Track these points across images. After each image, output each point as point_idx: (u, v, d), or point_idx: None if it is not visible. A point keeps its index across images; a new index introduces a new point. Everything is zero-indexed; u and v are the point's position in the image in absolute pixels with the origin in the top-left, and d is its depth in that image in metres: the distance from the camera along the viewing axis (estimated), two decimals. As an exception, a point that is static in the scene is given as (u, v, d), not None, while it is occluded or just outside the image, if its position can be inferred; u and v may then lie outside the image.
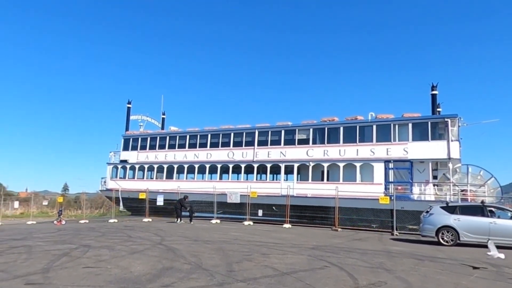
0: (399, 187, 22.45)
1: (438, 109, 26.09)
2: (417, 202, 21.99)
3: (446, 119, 22.84)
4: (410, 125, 23.76)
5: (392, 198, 19.65)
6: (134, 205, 30.45)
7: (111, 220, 24.11)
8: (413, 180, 23.29)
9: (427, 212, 14.43)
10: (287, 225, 20.96)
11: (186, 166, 30.95)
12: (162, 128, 38.62)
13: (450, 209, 13.96)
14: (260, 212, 23.99)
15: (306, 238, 15.28)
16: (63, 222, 22.34)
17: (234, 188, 25.04)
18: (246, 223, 22.24)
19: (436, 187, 23.45)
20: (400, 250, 11.81)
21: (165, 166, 32.00)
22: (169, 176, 32.23)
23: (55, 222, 22.66)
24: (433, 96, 25.53)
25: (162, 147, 32.69)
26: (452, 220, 13.55)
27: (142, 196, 26.07)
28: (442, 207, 14.17)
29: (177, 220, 22.89)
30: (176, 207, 23.32)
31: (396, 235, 18.13)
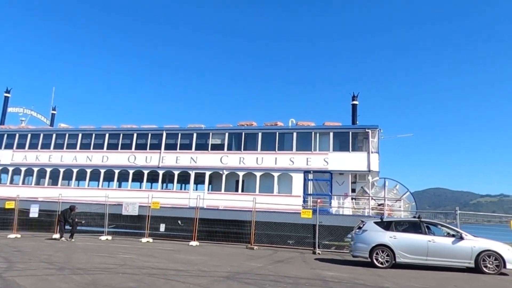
0: (318, 200, 20.68)
1: (356, 122, 25.39)
2: (335, 217, 20.38)
3: (367, 130, 21.91)
4: (331, 134, 22.38)
5: (315, 212, 17.63)
6: (3, 217, 24.17)
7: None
8: (332, 192, 21.82)
9: (360, 228, 12.46)
10: (194, 243, 17.61)
11: (75, 170, 25.70)
12: (52, 125, 32.47)
13: (385, 225, 12.17)
14: (162, 227, 20.24)
15: (217, 260, 12.20)
16: None
17: (132, 198, 20.90)
18: (144, 240, 18.32)
19: (354, 200, 22.33)
20: (337, 277, 9.42)
21: (48, 170, 26.27)
22: (54, 182, 26.60)
23: None
24: (354, 106, 24.74)
25: (46, 146, 26.89)
26: (388, 238, 11.71)
27: (9, 205, 20.41)
28: (376, 223, 12.31)
29: (60, 237, 18.03)
30: (60, 220, 18.45)
31: (319, 253, 16.04)
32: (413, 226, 12.09)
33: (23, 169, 26.70)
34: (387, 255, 11.55)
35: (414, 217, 12.83)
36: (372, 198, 21.45)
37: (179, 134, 24.70)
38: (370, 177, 21.68)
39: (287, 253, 15.98)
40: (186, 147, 24.38)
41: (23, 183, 26.97)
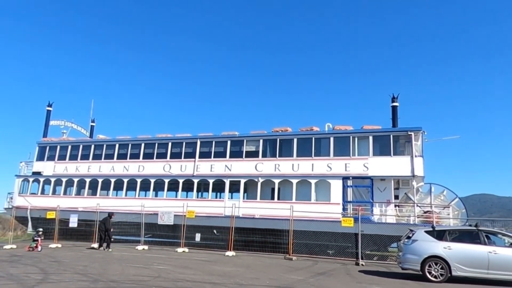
0: (360, 208, 19.59)
1: (396, 125, 24.04)
2: (378, 225, 19.25)
3: (409, 133, 20.64)
4: (370, 138, 21.28)
5: (357, 220, 16.63)
6: (46, 227, 24.79)
7: (7, 246, 18.66)
8: (373, 199, 20.66)
9: (409, 237, 11.43)
10: (230, 253, 17.09)
11: (113, 180, 26.06)
12: (91, 137, 33.31)
13: (438, 234, 11.08)
14: (198, 237, 19.88)
15: (255, 272, 11.57)
16: None
17: (168, 207, 20.74)
18: (179, 250, 18.01)
19: (397, 208, 21.02)
20: (387, 293, 8.54)
21: (88, 180, 26.82)
22: (93, 192, 27.06)
23: None
24: (394, 108, 23.45)
25: (85, 157, 27.53)
26: (442, 248, 10.62)
27: (50, 215, 20.83)
28: (427, 232, 11.25)
29: (100, 246, 18.12)
30: (100, 229, 18.51)
31: (362, 264, 15.01)
32: (469, 236, 10.92)
33: (64, 180, 27.41)
34: (441, 268, 10.46)
35: (470, 225, 11.62)
36: (417, 205, 20.10)
37: (213, 142, 24.45)
38: (414, 183, 20.36)
39: (328, 264, 15.08)
40: (220, 155, 24.08)
41: (64, 193, 27.68)
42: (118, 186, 26.18)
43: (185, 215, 18.93)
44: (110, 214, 18.85)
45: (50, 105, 31.34)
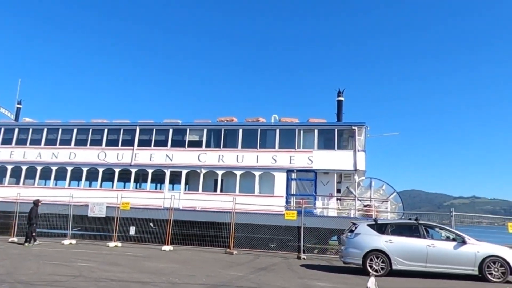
0: (303, 201, 19.40)
1: (341, 119, 24.25)
2: (320, 218, 19.18)
3: (353, 127, 20.82)
4: (316, 131, 21.17)
5: (300, 213, 16.33)
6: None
7: None
8: (316, 193, 20.62)
9: (352, 231, 11.22)
10: (167, 247, 16.01)
11: (39, 168, 23.62)
12: (16, 120, 30.05)
13: (380, 228, 10.97)
14: (132, 230, 18.51)
15: (192, 268, 10.72)
16: None
17: (101, 198, 19.09)
18: (111, 244, 16.57)
19: (339, 201, 21.20)
20: (329, 289, 8.14)
21: (9, 168, 24.09)
22: (17, 181, 24.42)
23: None
24: (339, 103, 23.52)
25: (7, 142, 24.69)
26: (383, 242, 10.52)
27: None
28: (370, 225, 11.10)
29: (26, 241, 15.94)
30: (31, 220, 16.24)
31: (304, 258, 14.73)
32: (410, 229, 10.94)
33: (-20, 166, 24.37)
34: (382, 262, 10.35)
35: (410, 218, 11.70)
36: (358, 199, 20.38)
37: (154, 130, 23.00)
38: (356, 177, 20.63)
39: (270, 258, 14.62)
40: (161, 143, 22.72)
41: (-19, 182, 24.64)
42: (46, 174, 23.79)
43: (118, 207, 17.47)
44: (36, 202, 16.79)
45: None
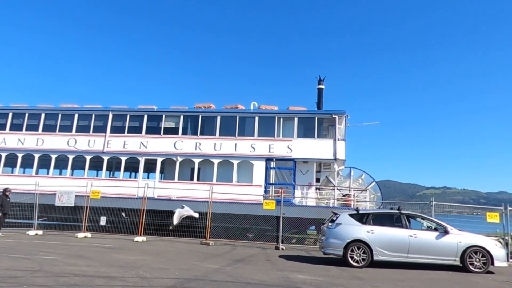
0: (282, 190, 18.99)
1: (321, 107, 23.88)
2: (298, 208, 18.84)
3: (333, 116, 20.47)
4: (295, 120, 20.72)
5: (279, 203, 15.90)
6: None
7: None
8: (295, 182, 20.25)
9: (332, 221, 10.84)
10: (140, 238, 15.30)
11: (4, 154, 22.27)
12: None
13: (361, 217, 10.62)
14: (103, 220, 17.64)
15: (165, 261, 10.10)
16: None
17: (70, 186, 18.10)
18: (80, 235, 15.70)
19: (318, 190, 20.91)
20: (310, 282, 7.71)
21: (-28, 154, 22.58)
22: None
23: None
24: (319, 91, 23.18)
25: (-32, 126, 23.12)
26: (365, 232, 10.18)
27: None
28: (351, 215, 10.73)
29: None
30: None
31: (283, 249, 14.34)
32: (391, 219, 10.67)
33: None
34: (364, 252, 10.01)
35: (392, 208, 11.41)
36: (337, 188, 20.14)
37: (128, 116, 22.01)
38: (336, 166, 20.36)
39: (247, 249, 14.14)
40: (135, 130, 21.79)
41: None
42: (10, 162, 22.47)
43: (88, 196, 16.57)
44: (5, 190, 15.66)
45: None
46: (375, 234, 10.11)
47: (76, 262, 9.09)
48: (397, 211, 10.62)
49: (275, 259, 11.36)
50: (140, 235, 15.56)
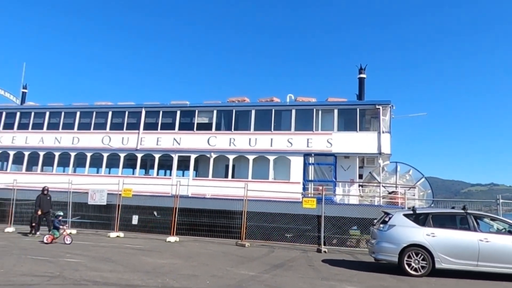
0: (323, 188, 17.63)
1: (363, 98, 22.18)
2: (340, 206, 17.42)
3: (377, 106, 18.83)
4: (335, 112, 19.27)
5: (320, 201, 14.62)
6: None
7: None
8: (336, 178, 18.84)
9: (385, 222, 9.45)
10: (172, 238, 14.56)
11: (42, 153, 22.43)
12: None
13: (418, 218, 9.17)
14: (135, 219, 17.11)
15: (196, 265, 9.17)
16: None
17: (103, 184, 17.72)
18: (113, 234, 15.20)
19: (361, 188, 19.37)
20: (364, 296, 6.46)
21: (12, 153, 22.95)
22: (18, 168, 23.31)
23: None
24: (361, 80, 21.45)
25: (8, 126, 23.55)
26: (424, 235, 8.73)
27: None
28: (406, 215, 9.30)
29: (31, 231, 14.76)
30: (42, 209, 14.98)
31: (325, 251, 13.07)
32: (456, 220, 9.15)
33: (-19, 152, 23.30)
34: (423, 259, 8.57)
35: (453, 207, 9.86)
36: (382, 185, 18.52)
37: (160, 112, 21.45)
38: (380, 161, 18.72)
39: (286, 251, 12.99)
40: (168, 126, 21.18)
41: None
42: (48, 160, 22.61)
43: (120, 194, 16.05)
44: (44, 189, 15.41)
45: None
46: (437, 238, 8.64)
47: (100, 267, 8.33)
48: (462, 211, 9.05)
49: (318, 264, 10.14)
50: (173, 235, 14.82)
